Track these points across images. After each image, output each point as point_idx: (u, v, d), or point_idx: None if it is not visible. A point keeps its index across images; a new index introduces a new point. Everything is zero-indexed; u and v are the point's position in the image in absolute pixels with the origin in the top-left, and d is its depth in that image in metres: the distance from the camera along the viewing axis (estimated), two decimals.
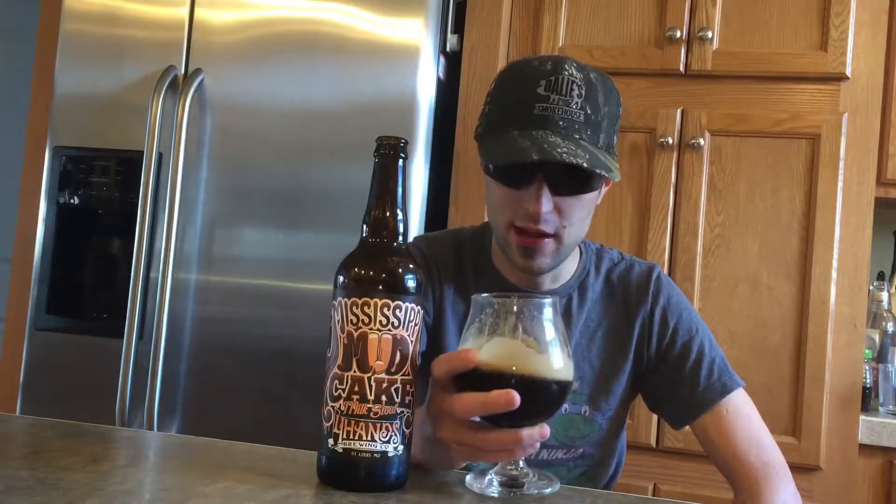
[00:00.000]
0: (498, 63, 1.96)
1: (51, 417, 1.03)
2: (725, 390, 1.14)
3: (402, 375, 0.78)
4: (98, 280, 2.05)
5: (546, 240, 1.06)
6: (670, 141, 1.87)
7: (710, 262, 1.85)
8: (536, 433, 0.77)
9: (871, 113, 1.83)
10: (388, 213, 0.82)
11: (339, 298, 0.79)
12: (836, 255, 1.79)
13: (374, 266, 0.80)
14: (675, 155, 1.88)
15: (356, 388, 0.77)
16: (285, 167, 1.89)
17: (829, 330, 1.78)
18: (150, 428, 1.84)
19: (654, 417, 1.82)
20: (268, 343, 1.86)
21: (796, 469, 1.14)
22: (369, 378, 0.77)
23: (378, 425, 0.77)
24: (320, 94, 1.89)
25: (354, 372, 0.77)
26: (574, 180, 1.04)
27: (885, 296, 2.13)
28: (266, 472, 0.83)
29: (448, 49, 1.95)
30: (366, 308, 0.77)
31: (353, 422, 0.77)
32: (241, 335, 1.88)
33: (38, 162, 2.13)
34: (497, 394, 0.74)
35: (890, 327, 2.09)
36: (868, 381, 1.91)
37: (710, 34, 1.88)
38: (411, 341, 0.79)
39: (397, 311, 0.78)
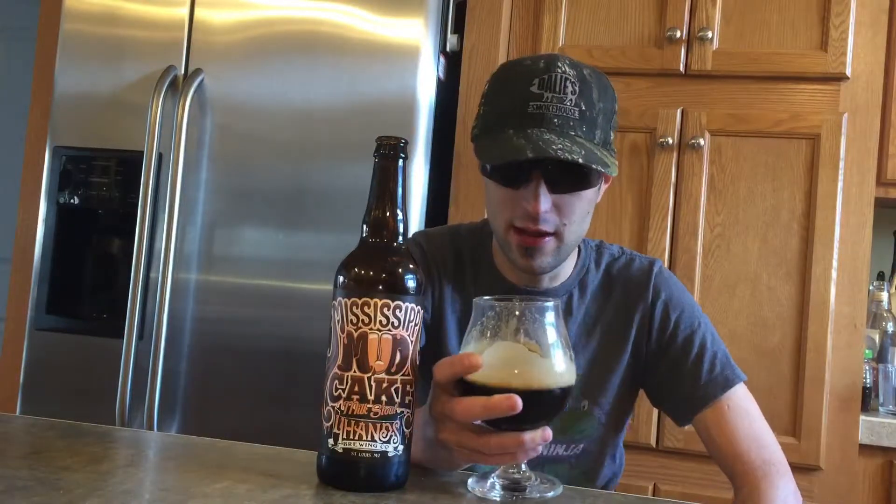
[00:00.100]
0: (498, 63, 1.96)
1: (51, 417, 1.03)
2: (727, 384, 1.14)
3: (402, 375, 0.78)
4: (98, 280, 2.05)
5: (546, 238, 1.06)
6: (670, 141, 1.87)
7: (710, 262, 1.85)
8: (539, 437, 0.77)
9: (871, 113, 1.83)
10: (388, 213, 0.82)
11: (339, 298, 0.79)
12: (836, 255, 1.79)
13: (374, 266, 0.80)
14: (675, 155, 1.88)
15: (356, 388, 0.77)
16: (285, 167, 1.89)
17: (829, 330, 1.78)
18: (150, 428, 1.84)
19: (655, 417, 1.82)
20: (268, 343, 1.86)
21: (796, 469, 1.14)
22: (369, 378, 0.77)
23: (378, 425, 0.77)
24: (320, 94, 1.89)
25: (354, 372, 0.77)
26: (572, 177, 1.04)
27: (885, 296, 2.13)
28: (266, 472, 0.83)
29: (448, 49, 1.95)
30: (366, 308, 0.77)
31: (353, 422, 0.77)
32: (241, 335, 1.88)
33: (38, 162, 2.13)
34: (499, 398, 0.74)
35: (890, 327, 2.09)
36: (868, 381, 1.91)
37: (710, 34, 1.88)
38: (411, 341, 0.79)
39: (397, 311, 0.78)
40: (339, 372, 0.78)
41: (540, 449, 0.79)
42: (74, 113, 2.01)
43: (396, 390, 0.77)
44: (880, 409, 1.93)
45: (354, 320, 0.77)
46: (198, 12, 1.96)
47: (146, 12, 1.99)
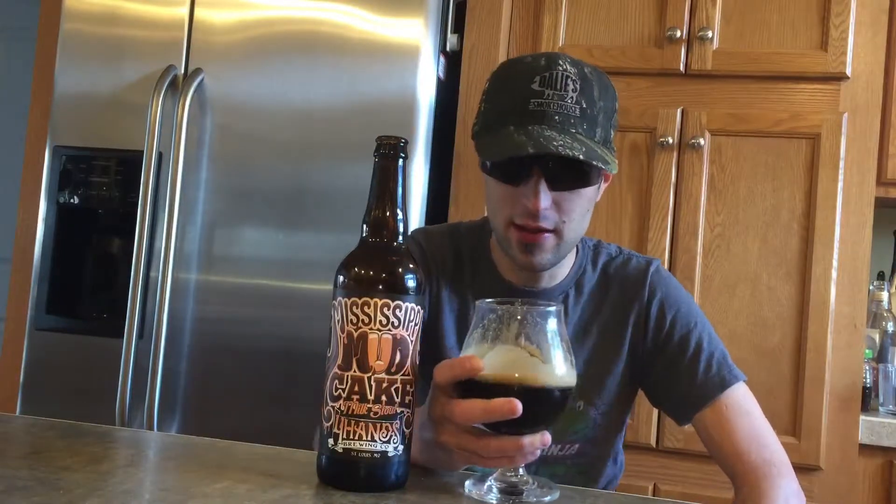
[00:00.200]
0: (498, 63, 1.94)
1: (51, 417, 1.03)
2: (724, 384, 1.13)
3: (402, 375, 0.78)
4: (98, 280, 2.05)
5: (546, 235, 1.06)
6: (670, 141, 1.87)
7: (710, 262, 1.85)
8: (538, 441, 0.77)
9: (871, 113, 1.83)
10: (388, 213, 0.82)
11: (339, 298, 0.79)
12: (836, 255, 1.79)
13: (374, 266, 0.80)
14: (675, 155, 1.88)
15: (356, 388, 0.77)
16: (285, 167, 1.89)
17: (829, 330, 1.78)
18: (150, 428, 1.84)
19: (654, 417, 1.82)
20: (268, 343, 1.86)
21: (796, 469, 1.14)
22: (369, 378, 0.77)
23: (378, 425, 0.77)
24: (320, 94, 1.89)
25: (354, 372, 0.77)
26: (572, 174, 1.04)
27: (885, 296, 2.13)
28: (266, 472, 0.83)
29: (448, 49, 1.95)
30: (366, 308, 0.77)
31: (353, 422, 0.77)
32: (241, 335, 1.88)
33: (38, 162, 2.13)
34: (499, 401, 0.74)
35: (890, 327, 2.09)
36: (868, 381, 1.91)
37: (710, 34, 1.88)
38: (411, 341, 0.79)
39: (397, 311, 0.78)
40: (339, 372, 0.78)
41: (539, 453, 0.79)
42: (74, 113, 2.01)
43: (396, 390, 0.77)
44: (880, 408, 1.93)
45: (354, 320, 0.77)
46: (198, 12, 1.96)
47: (146, 12, 1.99)
